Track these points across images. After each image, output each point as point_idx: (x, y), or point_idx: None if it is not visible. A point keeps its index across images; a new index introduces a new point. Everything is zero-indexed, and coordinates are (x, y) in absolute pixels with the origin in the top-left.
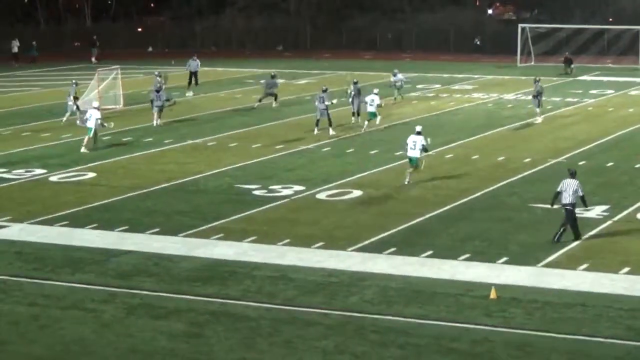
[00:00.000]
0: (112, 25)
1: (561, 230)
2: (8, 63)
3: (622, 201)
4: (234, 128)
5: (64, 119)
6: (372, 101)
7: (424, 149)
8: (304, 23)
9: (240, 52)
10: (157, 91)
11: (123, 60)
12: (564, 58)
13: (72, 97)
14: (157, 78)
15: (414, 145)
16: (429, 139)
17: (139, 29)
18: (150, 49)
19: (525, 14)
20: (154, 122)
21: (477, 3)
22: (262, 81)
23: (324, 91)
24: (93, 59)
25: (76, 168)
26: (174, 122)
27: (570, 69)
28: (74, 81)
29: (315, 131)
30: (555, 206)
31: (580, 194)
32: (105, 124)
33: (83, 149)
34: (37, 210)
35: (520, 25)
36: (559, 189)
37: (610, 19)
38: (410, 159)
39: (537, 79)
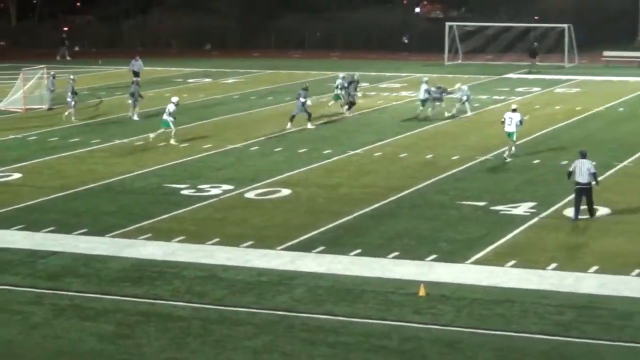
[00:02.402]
0: (38, 25)
1: (578, 208)
2: None
3: (549, 198)
4: (162, 128)
5: (66, 114)
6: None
7: (520, 123)
8: (232, 22)
9: (168, 51)
10: (73, 93)
11: (49, 60)
12: (529, 52)
13: (70, 93)
14: (71, 79)
15: (510, 121)
16: (525, 116)
17: (66, 29)
18: (76, 48)
19: (452, 12)
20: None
21: (405, 1)
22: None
23: (305, 89)
24: (58, 57)
25: (1, 169)
26: (101, 122)
27: (536, 66)
28: (71, 77)
29: (289, 125)
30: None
31: (594, 171)
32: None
33: (172, 141)
34: None
35: (447, 24)
36: (571, 169)
37: (536, 17)
38: (509, 134)
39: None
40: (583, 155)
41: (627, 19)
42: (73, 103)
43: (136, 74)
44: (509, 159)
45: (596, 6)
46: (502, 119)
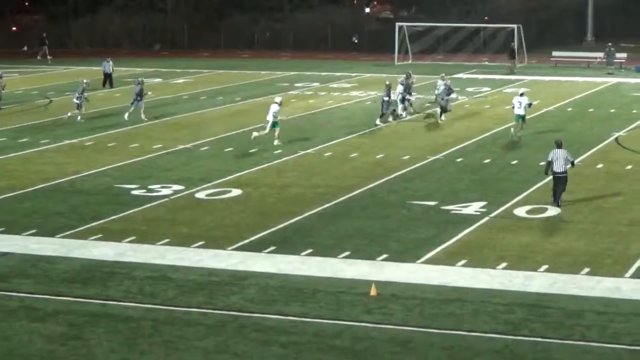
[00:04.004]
0: None
1: (557, 195)
2: None
3: (499, 197)
4: (112, 128)
5: (69, 114)
6: None
7: (529, 106)
8: (181, 22)
9: (117, 51)
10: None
11: None
12: (508, 52)
13: (77, 95)
14: (84, 83)
15: (520, 104)
16: (533, 102)
17: (14, 29)
18: (25, 48)
19: (402, 13)
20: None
21: (355, 1)
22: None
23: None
24: (39, 57)
25: None
26: (51, 123)
27: (514, 65)
28: (85, 81)
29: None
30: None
31: (570, 159)
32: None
33: (276, 142)
34: None
35: (397, 24)
36: (549, 159)
37: (486, 18)
38: (518, 116)
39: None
40: (559, 146)
41: (576, 20)
42: (79, 104)
43: (107, 75)
44: (517, 138)
45: (545, 7)
46: (512, 105)
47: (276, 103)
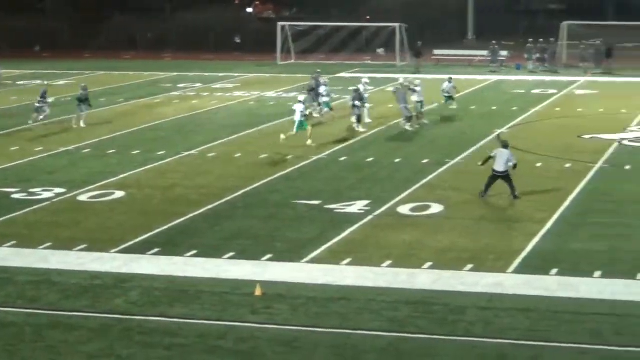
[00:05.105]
0: None
1: (486, 188)
2: None
3: (383, 196)
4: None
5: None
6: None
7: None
8: (61, 23)
9: None
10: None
11: None
12: (414, 52)
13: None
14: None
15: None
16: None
17: None
18: None
19: (284, 13)
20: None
21: (237, 2)
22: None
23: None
24: None
25: None
26: None
27: (420, 65)
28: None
29: None
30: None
31: (512, 162)
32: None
33: (309, 141)
34: None
35: (279, 24)
36: (492, 154)
37: (368, 17)
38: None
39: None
40: (504, 146)
41: (457, 19)
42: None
43: None
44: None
45: (427, 6)
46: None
47: (300, 102)
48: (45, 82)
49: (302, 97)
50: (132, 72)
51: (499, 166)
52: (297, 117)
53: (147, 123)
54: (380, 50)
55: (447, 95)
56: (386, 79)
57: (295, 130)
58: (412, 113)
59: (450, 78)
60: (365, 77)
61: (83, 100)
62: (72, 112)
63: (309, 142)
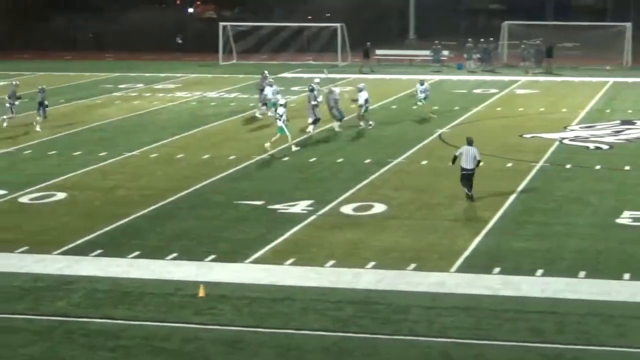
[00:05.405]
0: None
1: (468, 189)
2: None
3: (326, 195)
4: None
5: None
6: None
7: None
8: (0, 24)
9: None
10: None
11: None
12: (362, 52)
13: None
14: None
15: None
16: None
17: None
18: None
19: (226, 13)
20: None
21: (178, 2)
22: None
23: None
24: None
25: None
26: None
27: (369, 65)
28: (14, 83)
29: None
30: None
31: (478, 158)
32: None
33: (268, 144)
34: None
35: (221, 24)
36: (457, 153)
37: (309, 17)
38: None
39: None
40: (469, 143)
41: (398, 19)
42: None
43: None
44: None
45: (368, 5)
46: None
47: (282, 105)
48: (14, 83)
49: (283, 101)
50: (73, 73)
51: (467, 163)
52: (280, 122)
53: (89, 124)
54: (325, 72)
55: (422, 96)
56: (329, 79)
57: (278, 133)
58: (343, 115)
59: (422, 81)
60: (316, 77)
61: (42, 103)
62: (5, 113)
63: (268, 144)
